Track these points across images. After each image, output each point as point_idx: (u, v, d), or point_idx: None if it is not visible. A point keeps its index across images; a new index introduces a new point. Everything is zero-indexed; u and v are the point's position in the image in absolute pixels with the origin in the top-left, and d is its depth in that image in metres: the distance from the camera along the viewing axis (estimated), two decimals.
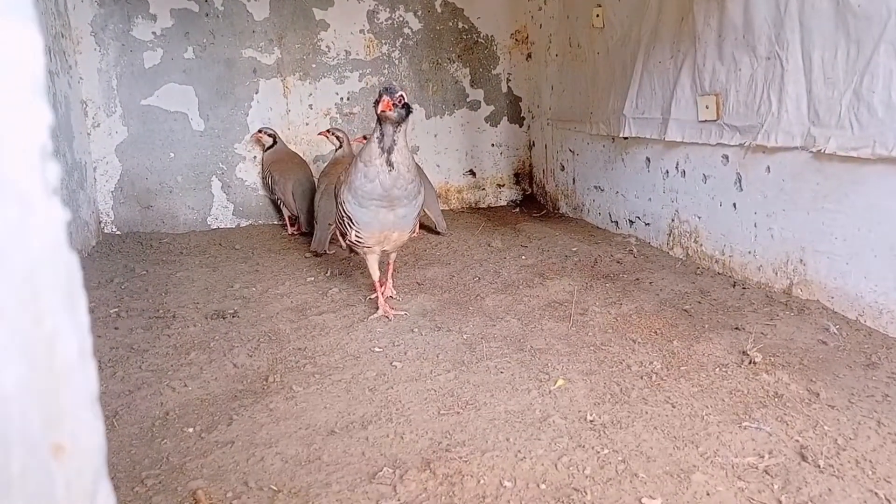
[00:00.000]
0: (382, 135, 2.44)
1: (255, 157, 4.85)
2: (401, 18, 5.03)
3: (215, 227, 4.79)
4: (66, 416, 0.48)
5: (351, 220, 2.60)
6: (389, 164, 2.45)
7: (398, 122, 2.42)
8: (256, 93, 4.79)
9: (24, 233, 0.44)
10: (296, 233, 4.42)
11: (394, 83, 2.47)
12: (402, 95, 2.40)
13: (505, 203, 5.50)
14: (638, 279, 3.13)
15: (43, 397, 0.45)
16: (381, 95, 2.36)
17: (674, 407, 1.88)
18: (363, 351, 2.40)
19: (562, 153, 4.87)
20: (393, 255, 2.93)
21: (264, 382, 2.14)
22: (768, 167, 2.78)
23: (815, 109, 2.46)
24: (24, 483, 0.40)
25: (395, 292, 3.03)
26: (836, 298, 2.49)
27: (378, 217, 2.56)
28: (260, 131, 4.63)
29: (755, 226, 2.89)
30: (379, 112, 2.38)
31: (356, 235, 2.64)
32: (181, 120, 4.65)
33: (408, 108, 2.44)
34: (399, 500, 1.48)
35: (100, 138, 4.50)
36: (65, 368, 0.49)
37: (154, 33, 4.52)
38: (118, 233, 4.55)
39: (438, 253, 3.84)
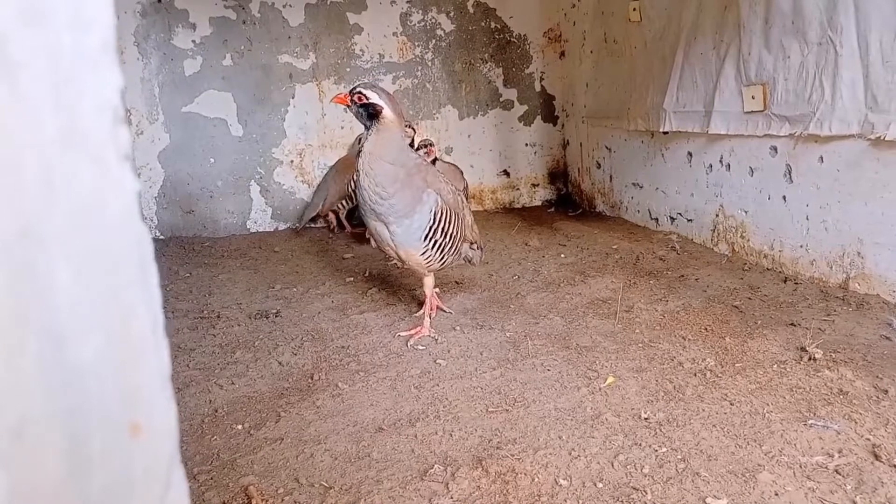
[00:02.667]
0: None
1: (291, 162, 4.88)
2: (433, 20, 5.02)
3: (254, 230, 4.83)
4: (141, 394, 0.46)
5: None
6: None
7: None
8: (293, 98, 4.83)
9: (101, 196, 0.42)
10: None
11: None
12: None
13: (540, 203, 5.44)
14: (683, 276, 3.05)
15: (119, 373, 0.43)
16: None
17: (732, 404, 1.81)
18: (406, 349, 2.37)
19: (598, 151, 4.79)
20: (427, 281, 2.56)
21: (309, 380, 2.13)
22: (821, 157, 2.68)
23: (872, 95, 2.36)
24: (105, 462, 0.38)
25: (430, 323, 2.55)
26: None
27: (377, 229, 2.36)
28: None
29: (807, 218, 2.80)
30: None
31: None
32: (220, 126, 4.70)
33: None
34: (452, 497, 1.44)
35: (143, 145, 4.58)
36: (139, 345, 0.47)
37: (194, 42, 4.58)
38: (162, 237, 4.62)
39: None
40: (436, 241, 2.36)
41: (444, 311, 2.75)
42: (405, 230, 2.32)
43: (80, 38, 0.41)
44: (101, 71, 0.45)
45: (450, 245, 2.42)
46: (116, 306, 0.43)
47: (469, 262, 2.70)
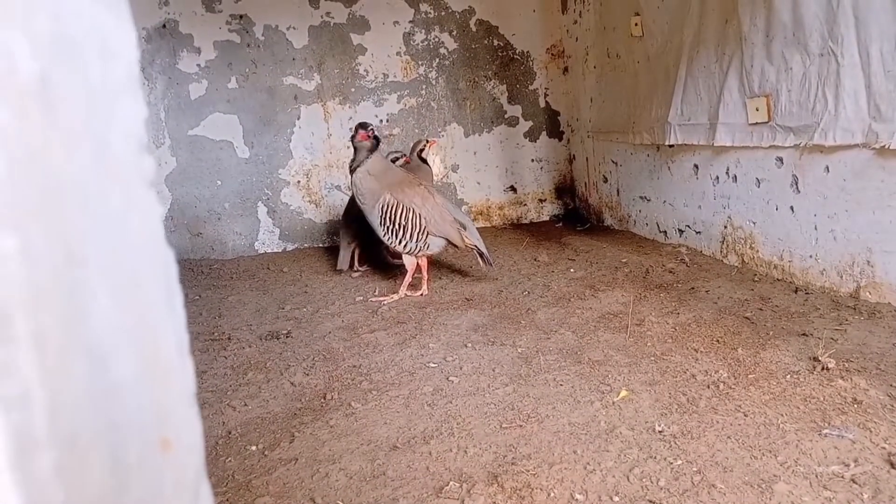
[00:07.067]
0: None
1: (298, 182, 4.92)
2: (436, 39, 5.08)
3: (262, 251, 4.86)
4: (170, 411, 0.47)
5: None
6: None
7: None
8: (298, 119, 4.88)
9: (128, 220, 0.44)
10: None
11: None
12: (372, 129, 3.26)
13: (547, 218, 5.45)
14: (693, 288, 3.05)
15: (151, 390, 0.44)
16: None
17: (746, 416, 1.80)
18: (417, 367, 2.37)
19: (604, 165, 4.81)
20: (406, 259, 3.38)
21: (322, 400, 2.13)
22: (827, 167, 2.68)
23: (875, 104, 2.38)
24: (141, 476, 0.39)
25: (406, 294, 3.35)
26: None
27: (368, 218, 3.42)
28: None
29: (815, 228, 2.80)
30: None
31: None
32: (227, 148, 4.75)
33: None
34: None
35: None
36: (167, 363, 0.48)
37: (199, 65, 4.65)
38: None
39: (491, 267, 3.80)
40: (387, 227, 3.22)
41: (416, 295, 3.32)
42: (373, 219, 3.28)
43: (107, 71, 0.43)
44: (127, 101, 0.46)
45: (401, 233, 3.21)
46: (146, 328, 0.45)
47: (480, 260, 3.41)
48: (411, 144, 4.23)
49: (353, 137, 3.28)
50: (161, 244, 0.49)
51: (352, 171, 3.26)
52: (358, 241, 3.91)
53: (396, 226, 3.21)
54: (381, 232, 3.26)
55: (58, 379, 0.29)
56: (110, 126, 0.44)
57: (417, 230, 3.22)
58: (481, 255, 3.37)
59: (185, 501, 0.48)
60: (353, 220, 3.77)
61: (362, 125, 3.25)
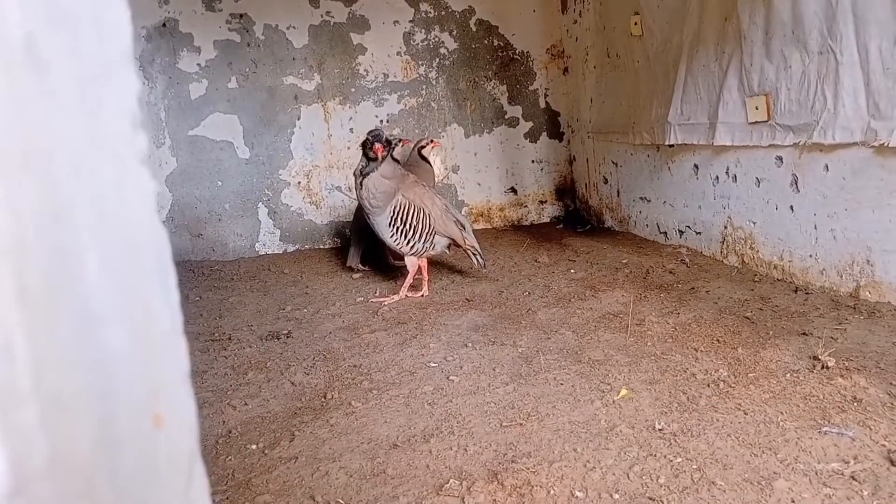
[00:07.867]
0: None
1: (299, 183, 4.92)
2: (436, 39, 5.08)
3: (263, 252, 4.85)
4: (163, 388, 0.47)
5: None
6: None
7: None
8: (298, 119, 4.87)
9: (122, 192, 0.44)
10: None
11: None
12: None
13: (548, 219, 5.45)
14: (693, 288, 3.05)
15: (143, 363, 0.44)
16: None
17: (746, 414, 1.80)
18: (418, 366, 2.37)
19: (604, 166, 4.81)
20: (408, 261, 3.37)
21: (323, 399, 2.13)
22: (826, 166, 2.68)
23: (874, 102, 2.37)
24: (133, 449, 0.39)
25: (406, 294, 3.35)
26: None
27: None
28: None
29: (815, 228, 2.79)
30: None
31: None
32: (227, 149, 4.75)
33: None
34: None
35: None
36: (160, 340, 0.48)
37: (199, 65, 4.65)
38: None
39: (485, 269, 3.80)
40: (397, 228, 3.20)
41: (417, 296, 3.32)
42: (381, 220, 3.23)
43: (101, 44, 0.43)
44: (121, 76, 0.46)
45: (411, 233, 3.21)
46: (138, 299, 0.45)
47: (474, 260, 3.44)
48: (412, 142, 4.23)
49: (368, 147, 3.13)
50: (154, 221, 0.49)
51: (363, 175, 3.13)
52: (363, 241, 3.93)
53: (407, 226, 3.20)
54: (388, 234, 3.22)
55: (42, 334, 0.29)
56: (103, 97, 0.44)
57: (427, 230, 3.24)
58: (476, 255, 3.40)
59: (179, 480, 0.48)
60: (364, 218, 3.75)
61: (376, 137, 3.11)
